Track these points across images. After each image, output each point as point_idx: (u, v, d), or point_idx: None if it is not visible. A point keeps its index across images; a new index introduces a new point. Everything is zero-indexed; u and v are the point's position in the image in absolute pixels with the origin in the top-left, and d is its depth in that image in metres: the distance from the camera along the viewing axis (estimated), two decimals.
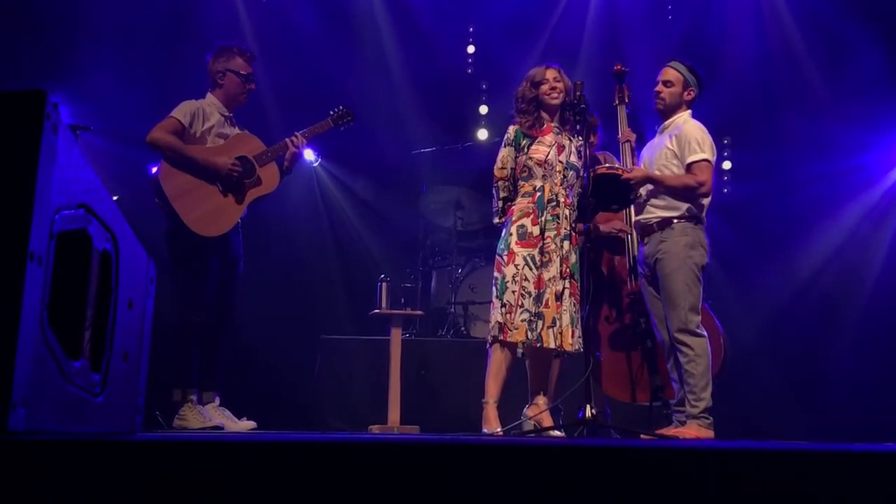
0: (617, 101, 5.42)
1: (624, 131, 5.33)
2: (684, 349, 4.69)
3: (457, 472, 1.65)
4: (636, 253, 5.33)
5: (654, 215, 4.93)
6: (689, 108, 5.09)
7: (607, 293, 5.45)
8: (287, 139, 5.36)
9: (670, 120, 5.05)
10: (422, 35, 8.60)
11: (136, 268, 2.14)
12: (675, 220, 4.86)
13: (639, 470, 1.71)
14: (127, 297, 2.03)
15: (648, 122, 5.50)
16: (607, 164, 4.95)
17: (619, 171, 4.82)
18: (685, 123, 4.97)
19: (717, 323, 5.26)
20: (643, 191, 4.97)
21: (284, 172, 5.43)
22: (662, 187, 4.89)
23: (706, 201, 4.92)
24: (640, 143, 5.41)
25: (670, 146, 4.93)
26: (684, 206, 4.86)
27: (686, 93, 5.05)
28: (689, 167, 4.84)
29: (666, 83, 5.04)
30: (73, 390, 1.69)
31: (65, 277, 1.63)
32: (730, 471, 1.74)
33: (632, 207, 5.32)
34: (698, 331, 4.73)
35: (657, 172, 4.93)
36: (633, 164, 5.15)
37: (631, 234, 5.39)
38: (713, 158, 4.89)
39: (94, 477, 1.51)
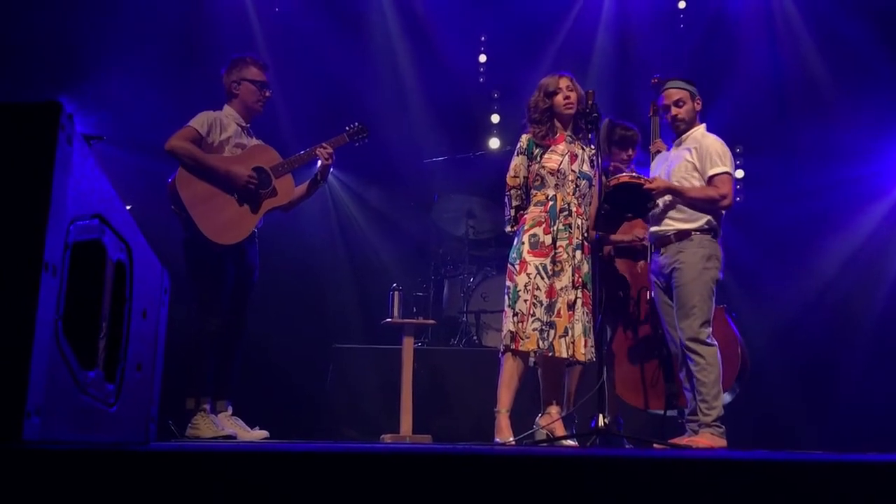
0: (652, 113, 5.46)
1: (656, 142, 5.37)
2: (695, 357, 4.70)
3: (469, 483, 1.64)
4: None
5: (671, 227, 4.95)
6: (701, 119, 5.13)
7: (625, 301, 5.44)
8: (319, 150, 5.38)
9: (687, 134, 5.07)
10: (434, 44, 8.62)
11: (150, 277, 2.14)
12: (694, 232, 4.88)
13: (652, 480, 1.71)
14: (141, 307, 2.04)
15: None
16: (629, 173, 4.97)
17: (642, 181, 4.83)
18: (703, 137, 5.01)
19: (735, 331, 5.24)
20: (661, 202, 4.98)
21: (319, 183, 5.47)
22: (683, 199, 4.91)
23: (724, 213, 4.96)
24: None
25: (690, 159, 4.96)
26: (703, 218, 4.89)
27: (696, 104, 5.09)
28: (710, 180, 4.88)
29: (677, 103, 5.07)
30: (88, 400, 1.69)
31: (79, 287, 1.64)
32: (743, 481, 1.73)
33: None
34: (709, 340, 4.75)
35: (676, 184, 4.94)
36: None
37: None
38: (733, 171, 4.96)
39: (107, 487, 1.51)
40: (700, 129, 5.07)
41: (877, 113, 7.78)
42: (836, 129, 7.85)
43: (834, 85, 8.15)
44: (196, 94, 6.41)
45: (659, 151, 5.32)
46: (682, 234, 4.90)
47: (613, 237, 5.42)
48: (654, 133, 5.43)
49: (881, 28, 7.80)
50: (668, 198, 4.95)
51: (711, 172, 4.87)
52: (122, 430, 1.94)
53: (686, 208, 4.92)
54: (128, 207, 1.97)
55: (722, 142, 4.99)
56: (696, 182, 4.93)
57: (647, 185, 4.82)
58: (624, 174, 4.93)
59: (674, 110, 5.07)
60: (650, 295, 5.30)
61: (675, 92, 5.09)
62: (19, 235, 1.44)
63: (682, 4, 8.53)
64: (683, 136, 5.08)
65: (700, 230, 4.88)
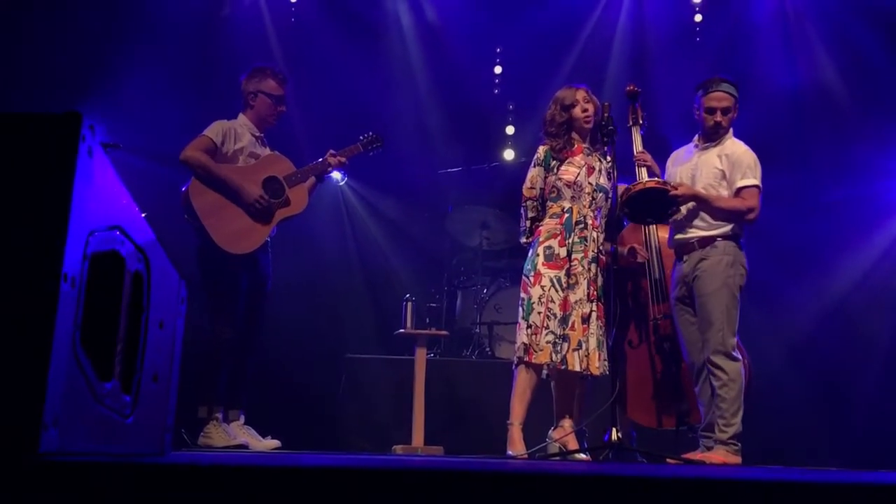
0: (631, 122, 5.32)
1: (638, 152, 5.26)
2: (718, 373, 4.64)
3: (481, 497, 1.64)
4: (657, 277, 5.28)
5: (695, 234, 4.89)
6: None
7: (633, 317, 5.41)
8: (332, 159, 5.42)
9: (717, 140, 4.98)
10: (449, 56, 8.63)
11: (167, 288, 2.15)
12: (718, 239, 4.81)
13: (665, 496, 1.70)
14: (158, 318, 2.04)
15: (674, 140, 5.44)
16: (656, 179, 4.90)
17: (668, 188, 4.78)
18: (734, 145, 4.93)
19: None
20: (684, 208, 4.93)
21: (318, 181, 5.52)
22: (709, 208, 4.84)
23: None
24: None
25: (720, 167, 4.89)
26: (728, 225, 4.82)
27: (735, 111, 5.00)
28: (738, 191, 4.81)
29: (725, 111, 4.94)
30: (104, 411, 1.70)
31: (97, 298, 1.64)
32: (758, 500, 1.72)
33: (655, 229, 5.29)
34: (734, 353, 4.68)
35: (703, 191, 4.89)
36: None
37: (650, 259, 5.34)
38: (761, 185, 4.87)
39: (124, 498, 1.51)
40: (729, 136, 4.98)
41: (892, 128, 7.74)
42: (851, 145, 7.81)
43: (850, 100, 8.11)
44: (211, 103, 6.43)
45: (645, 163, 5.13)
46: (706, 241, 4.84)
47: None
48: (635, 143, 5.24)
49: None
50: (691, 204, 4.89)
51: (741, 184, 4.81)
52: (138, 441, 1.94)
53: (709, 216, 4.86)
54: (143, 215, 1.97)
55: (752, 153, 4.90)
56: (724, 191, 4.86)
57: (673, 192, 4.77)
58: (650, 179, 4.86)
59: (720, 117, 4.93)
60: (653, 311, 5.26)
61: (726, 98, 4.95)
62: (39, 246, 1.44)
63: (698, 18, 8.51)
64: (712, 142, 5.00)
65: (724, 236, 4.82)
